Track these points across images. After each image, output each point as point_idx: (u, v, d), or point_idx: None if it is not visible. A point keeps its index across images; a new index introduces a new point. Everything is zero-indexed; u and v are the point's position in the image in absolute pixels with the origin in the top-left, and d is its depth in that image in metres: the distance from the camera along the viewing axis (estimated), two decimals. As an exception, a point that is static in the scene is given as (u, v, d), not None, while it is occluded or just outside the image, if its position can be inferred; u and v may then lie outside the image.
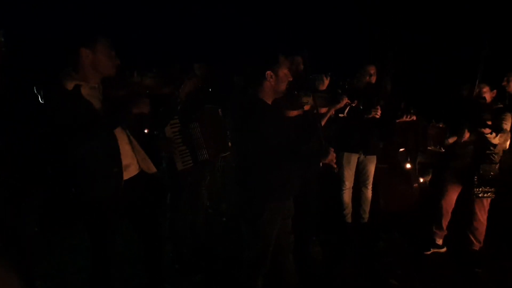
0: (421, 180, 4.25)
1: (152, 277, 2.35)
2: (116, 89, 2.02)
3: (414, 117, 3.48)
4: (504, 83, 3.44)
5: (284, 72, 2.00)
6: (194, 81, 2.80)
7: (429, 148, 4.11)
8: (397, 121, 3.63)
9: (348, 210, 3.73)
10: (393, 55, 3.57)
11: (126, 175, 2.00)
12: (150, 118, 2.29)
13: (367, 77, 3.57)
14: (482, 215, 3.10)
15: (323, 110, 2.86)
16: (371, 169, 3.70)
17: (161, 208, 2.72)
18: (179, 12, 6.26)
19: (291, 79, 2.05)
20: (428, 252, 3.27)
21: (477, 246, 3.14)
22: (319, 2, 6.15)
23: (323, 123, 2.82)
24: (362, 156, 3.65)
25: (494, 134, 2.82)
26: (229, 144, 3.08)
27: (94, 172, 1.90)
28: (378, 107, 3.39)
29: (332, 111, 2.99)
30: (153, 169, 2.16)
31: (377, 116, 3.39)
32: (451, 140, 3.16)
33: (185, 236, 3.05)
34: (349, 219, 3.74)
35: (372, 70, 3.57)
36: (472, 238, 3.14)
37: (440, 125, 3.90)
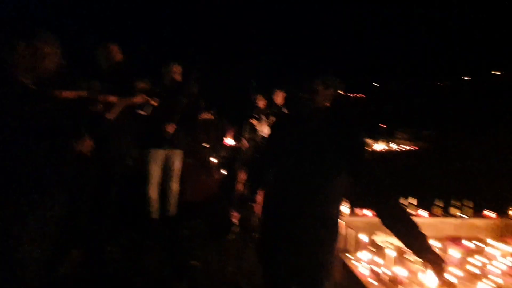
0: (222, 171, 4.77)
1: None
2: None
3: (211, 116, 3.91)
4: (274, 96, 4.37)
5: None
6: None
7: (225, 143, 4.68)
8: (200, 117, 3.97)
9: (155, 205, 3.77)
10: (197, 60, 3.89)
11: None
12: None
13: (171, 76, 3.75)
14: None
15: (112, 98, 2.81)
16: (178, 163, 3.86)
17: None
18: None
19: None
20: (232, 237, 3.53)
21: None
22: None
23: (113, 114, 2.79)
24: (169, 151, 3.77)
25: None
26: None
27: None
28: (174, 124, 3.59)
29: (124, 104, 2.92)
30: None
31: (171, 132, 3.59)
32: (247, 134, 3.69)
33: None
34: (155, 214, 3.77)
35: (176, 69, 3.78)
36: None
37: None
